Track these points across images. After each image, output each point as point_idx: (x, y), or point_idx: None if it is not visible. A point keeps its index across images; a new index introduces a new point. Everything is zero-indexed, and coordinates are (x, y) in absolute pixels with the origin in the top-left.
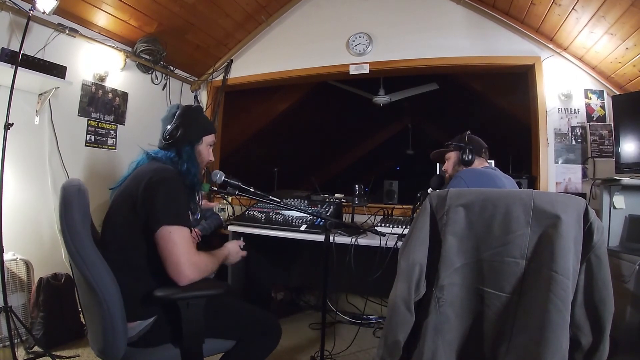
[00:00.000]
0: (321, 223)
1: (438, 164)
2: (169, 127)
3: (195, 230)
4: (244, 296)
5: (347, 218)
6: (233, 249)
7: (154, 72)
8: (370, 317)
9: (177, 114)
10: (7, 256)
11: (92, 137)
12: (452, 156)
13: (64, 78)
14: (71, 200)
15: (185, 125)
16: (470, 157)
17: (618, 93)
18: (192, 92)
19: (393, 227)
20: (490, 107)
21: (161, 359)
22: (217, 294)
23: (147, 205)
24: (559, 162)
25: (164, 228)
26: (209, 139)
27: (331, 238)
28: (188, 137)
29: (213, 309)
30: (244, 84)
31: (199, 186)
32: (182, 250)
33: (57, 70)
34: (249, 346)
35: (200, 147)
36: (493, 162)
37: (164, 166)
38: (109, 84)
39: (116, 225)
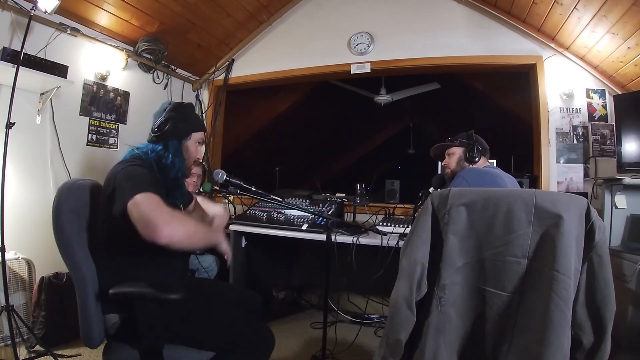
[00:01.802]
0: (323, 222)
1: (440, 163)
2: (158, 120)
3: None
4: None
5: (348, 217)
6: (219, 211)
7: (155, 72)
8: (372, 316)
9: (167, 108)
10: (8, 255)
11: (94, 137)
12: (456, 151)
13: (65, 77)
14: (60, 198)
15: (174, 120)
16: (477, 155)
17: (620, 92)
18: (194, 91)
19: (394, 226)
20: (492, 107)
21: (134, 356)
22: (173, 298)
23: (113, 194)
24: (561, 162)
25: (131, 200)
26: (197, 136)
27: (333, 237)
28: (177, 132)
29: (185, 315)
30: (245, 83)
31: (182, 181)
32: (153, 209)
33: (59, 70)
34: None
35: (188, 142)
36: (495, 161)
37: (128, 158)
38: (111, 83)
39: (99, 221)
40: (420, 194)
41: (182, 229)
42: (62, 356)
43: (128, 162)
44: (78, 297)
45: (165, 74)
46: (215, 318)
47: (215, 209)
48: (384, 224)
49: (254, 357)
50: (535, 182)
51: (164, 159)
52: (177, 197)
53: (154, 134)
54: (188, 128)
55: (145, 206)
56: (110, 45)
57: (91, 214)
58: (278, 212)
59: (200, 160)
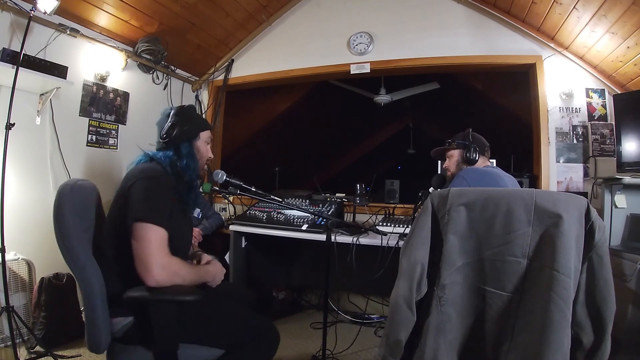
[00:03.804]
0: (322, 222)
1: (440, 162)
2: (164, 126)
3: (197, 229)
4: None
5: (348, 217)
6: (218, 272)
7: (155, 72)
8: (372, 316)
9: (171, 113)
10: (8, 256)
11: (94, 137)
12: (455, 154)
13: (65, 78)
14: (62, 199)
15: (180, 123)
16: (475, 155)
17: (619, 92)
18: (193, 91)
19: (394, 226)
20: (492, 106)
21: (143, 357)
22: (189, 300)
23: (128, 202)
24: (560, 161)
25: (138, 225)
26: (205, 134)
27: (332, 237)
28: (185, 134)
29: (195, 314)
30: (245, 83)
31: (197, 182)
32: (152, 250)
33: (59, 71)
34: (239, 356)
35: (198, 143)
36: (494, 161)
37: (152, 166)
38: (110, 84)
39: (108, 224)
40: (420, 194)
41: (171, 277)
42: (62, 357)
43: (147, 172)
44: (84, 302)
45: (165, 75)
46: (224, 315)
47: (212, 269)
48: (384, 224)
49: (262, 352)
50: (535, 181)
51: (178, 163)
52: (191, 201)
53: (163, 140)
54: (195, 128)
55: (146, 243)
56: (110, 45)
57: (96, 217)
58: (278, 213)
59: (212, 159)
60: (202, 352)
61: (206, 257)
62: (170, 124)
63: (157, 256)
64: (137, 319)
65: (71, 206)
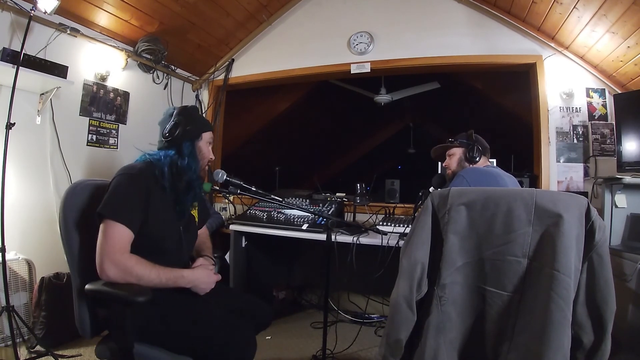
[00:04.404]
0: (323, 222)
1: (440, 162)
2: (167, 126)
3: None
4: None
5: (348, 217)
6: (202, 278)
7: (155, 72)
8: (372, 316)
9: (174, 113)
10: (9, 256)
11: (94, 137)
12: (456, 152)
13: (65, 78)
14: (65, 200)
15: (183, 123)
16: (477, 154)
17: (619, 92)
18: (194, 91)
19: (395, 226)
20: (492, 106)
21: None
22: (137, 300)
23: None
24: (561, 161)
25: (100, 219)
26: (207, 135)
27: (333, 237)
28: (187, 134)
29: (160, 316)
30: (245, 83)
31: (196, 182)
32: (107, 246)
33: (59, 70)
34: None
35: (200, 143)
36: (495, 161)
37: (138, 165)
38: (111, 83)
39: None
40: (420, 194)
41: (122, 275)
42: (62, 356)
43: (124, 169)
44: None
45: (165, 74)
46: (197, 323)
47: (198, 274)
48: (384, 223)
49: None
50: (535, 181)
51: (179, 162)
52: (188, 201)
53: (165, 139)
54: (198, 129)
55: (103, 238)
56: (110, 45)
57: None
58: (278, 212)
59: (213, 160)
60: (166, 356)
61: (199, 261)
62: (173, 123)
63: (110, 252)
64: (95, 312)
65: (71, 205)
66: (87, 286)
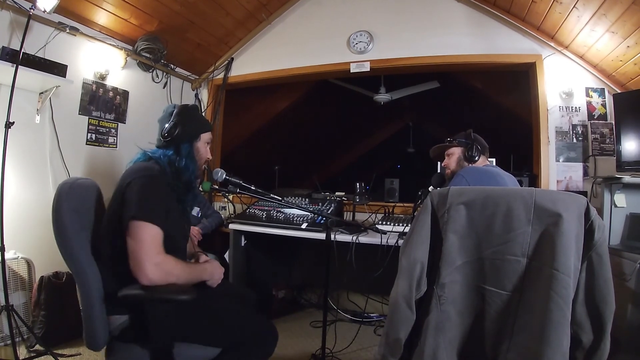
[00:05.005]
0: (322, 221)
1: (439, 162)
2: (166, 125)
3: (196, 228)
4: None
5: (348, 216)
6: (216, 271)
7: (154, 71)
8: (371, 315)
9: (174, 112)
10: (8, 255)
11: (93, 136)
12: (455, 152)
13: (64, 77)
14: (60, 197)
15: (183, 123)
16: (476, 154)
17: (619, 91)
18: (193, 90)
19: (394, 225)
20: (491, 105)
21: (139, 355)
22: (183, 299)
23: (124, 200)
24: (560, 160)
25: (133, 223)
26: (206, 136)
27: (332, 236)
28: (186, 134)
29: (191, 313)
30: (244, 82)
31: (195, 183)
32: (146, 249)
33: (58, 69)
34: (236, 355)
35: (199, 144)
36: (494, 160)
37: (149, 165)
38: (110, 82)
39: (105, 223)
40: (419, 193)
41: (164, 276)
42: (62, 355)
43: (144, 170)
44: (81, 300)
45: (165, 73)
46: (221, 315)
47: (211, 268)
48: (384, 222)
49: (259, 351)
50: (534, 180)
51: (177, 162)
52: (189, 200)
53: (164, 139)
54: (197, 129)
55: (141, 242)
56: (110, 44)
57: (95, 216)
58: (277, 211)
59: (210, 160)
60: (199, 351)
61: (204, 257)
62: (172, 123)
63: (150, 255)
64: (132, 317)
65: (70, 205)
66: (122, 291)
